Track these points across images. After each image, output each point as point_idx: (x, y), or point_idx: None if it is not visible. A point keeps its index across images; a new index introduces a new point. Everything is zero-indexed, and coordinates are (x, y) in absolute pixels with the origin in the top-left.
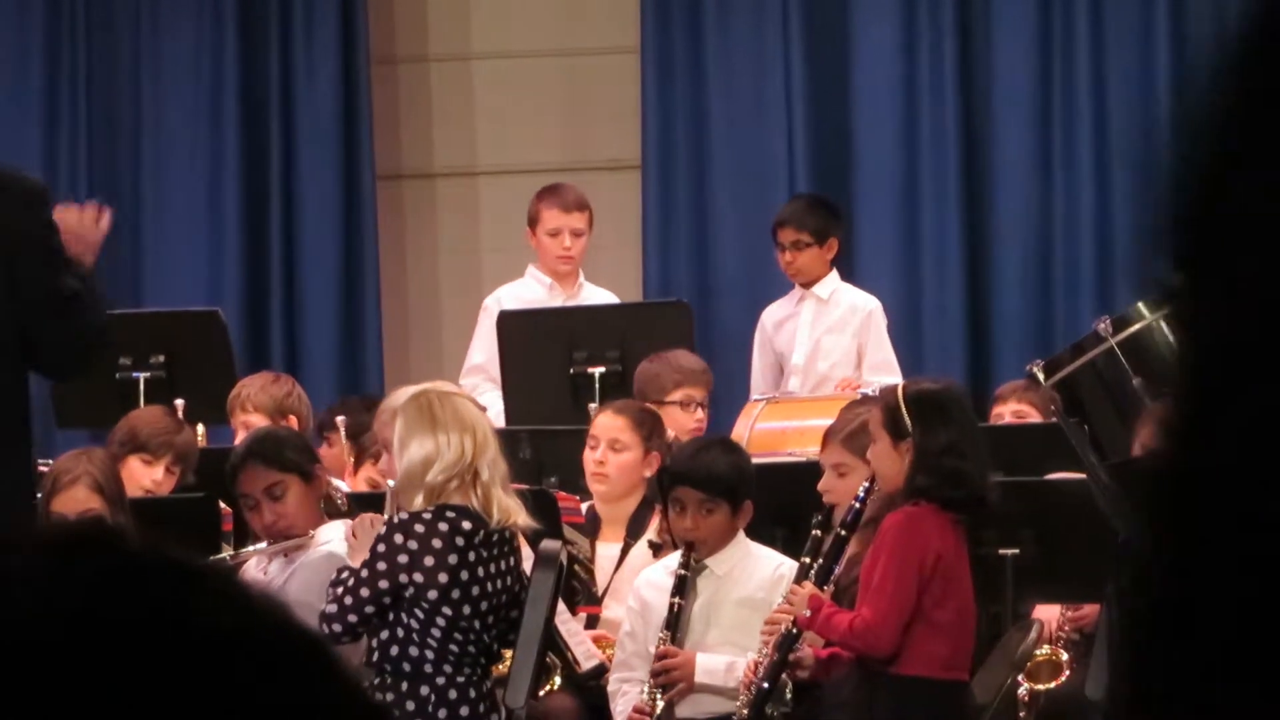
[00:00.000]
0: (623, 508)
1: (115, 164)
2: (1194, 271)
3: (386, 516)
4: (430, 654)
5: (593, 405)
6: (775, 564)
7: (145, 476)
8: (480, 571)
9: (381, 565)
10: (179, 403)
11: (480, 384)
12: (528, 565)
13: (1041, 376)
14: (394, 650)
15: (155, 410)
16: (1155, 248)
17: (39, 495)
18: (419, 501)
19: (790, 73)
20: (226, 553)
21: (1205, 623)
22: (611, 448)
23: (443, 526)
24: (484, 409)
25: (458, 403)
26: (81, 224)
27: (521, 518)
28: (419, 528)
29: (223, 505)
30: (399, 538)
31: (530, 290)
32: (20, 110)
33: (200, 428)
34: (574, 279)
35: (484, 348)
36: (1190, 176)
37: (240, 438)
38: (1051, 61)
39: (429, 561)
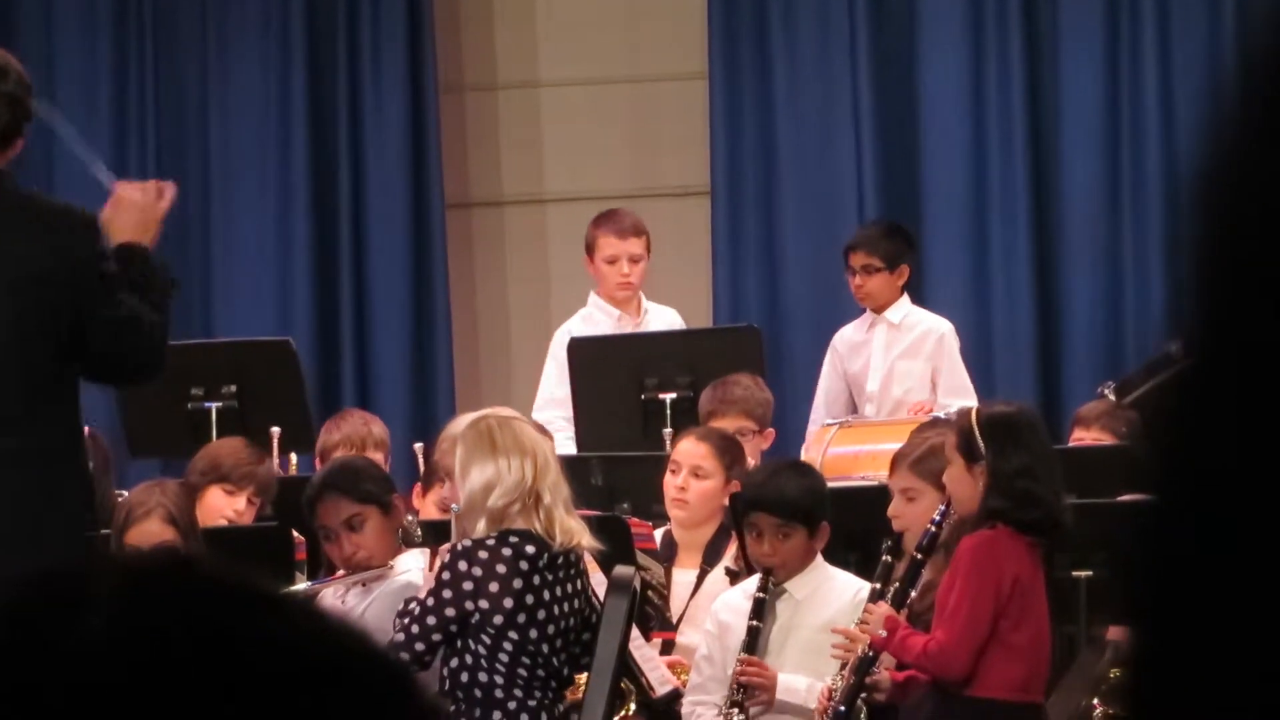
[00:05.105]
0: (700, 534)
1: (184, 194)
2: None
3: (452, 543)
4: (500, 679)
5: (666, 430)
6: (855, 588)
7: (228, 506)
8: (546, 595)
9: (447, 593)
10: (274, 431)
11: (555, 419)
12: (600, 590)
13: (1113, 398)
14: (464, 677)
15: (237, 441)
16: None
17: (104, 528)
18: (482, 527)
19: (858, 97)
20: (304, 583)
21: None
22: (694, 474)
23: (506, 551)
24: (549, 435)
25: (517, 427)
26: (144, 199)
27: (586, 539)
28: (482, 554)
29: (296, 535)
30: (463, 564)
31: (597, 323)
32: (88, 138)
33: (293, 456)
34: (637, 304)
35: (554, 382)
36: (1196, 261)
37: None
38: (1119, 84)
39: (494, 587)
